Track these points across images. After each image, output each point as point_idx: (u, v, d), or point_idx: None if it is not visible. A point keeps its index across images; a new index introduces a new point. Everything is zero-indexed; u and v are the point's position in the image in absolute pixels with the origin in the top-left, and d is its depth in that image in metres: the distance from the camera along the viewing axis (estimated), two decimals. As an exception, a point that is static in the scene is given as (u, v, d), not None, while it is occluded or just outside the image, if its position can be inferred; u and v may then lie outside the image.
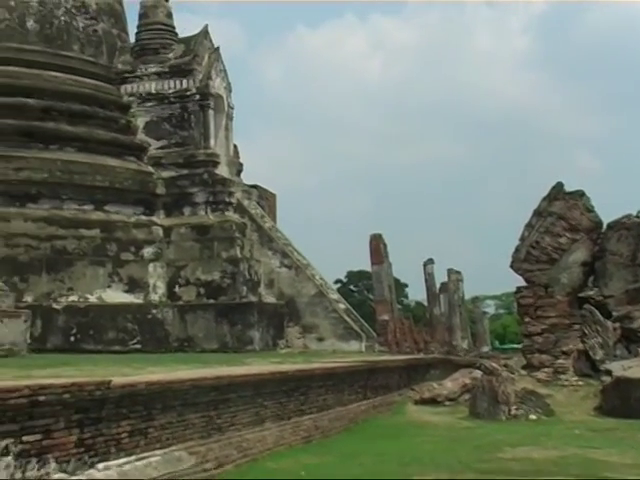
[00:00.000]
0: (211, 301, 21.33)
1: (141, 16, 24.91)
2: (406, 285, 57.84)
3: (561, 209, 17.04)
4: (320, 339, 22.70)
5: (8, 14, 22.78)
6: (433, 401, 16.29)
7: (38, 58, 22.79)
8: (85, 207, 21.51)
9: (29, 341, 16.50)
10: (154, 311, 20.84)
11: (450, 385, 16.78)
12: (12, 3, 22.90)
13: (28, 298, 19.31)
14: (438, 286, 32.39)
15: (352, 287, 59.07)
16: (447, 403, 16.17)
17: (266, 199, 26.73)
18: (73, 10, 23.90)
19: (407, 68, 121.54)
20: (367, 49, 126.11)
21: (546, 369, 16.34)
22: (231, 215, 22.85)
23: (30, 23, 23.01)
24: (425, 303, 36.09)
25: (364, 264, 34.38)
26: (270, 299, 22.79)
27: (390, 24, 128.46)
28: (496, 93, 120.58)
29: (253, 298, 21.68)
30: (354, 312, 23.71)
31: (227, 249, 21.86)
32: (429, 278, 31.86)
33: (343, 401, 13.54)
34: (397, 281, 39.39)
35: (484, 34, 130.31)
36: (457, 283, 33.46)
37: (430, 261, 31.79)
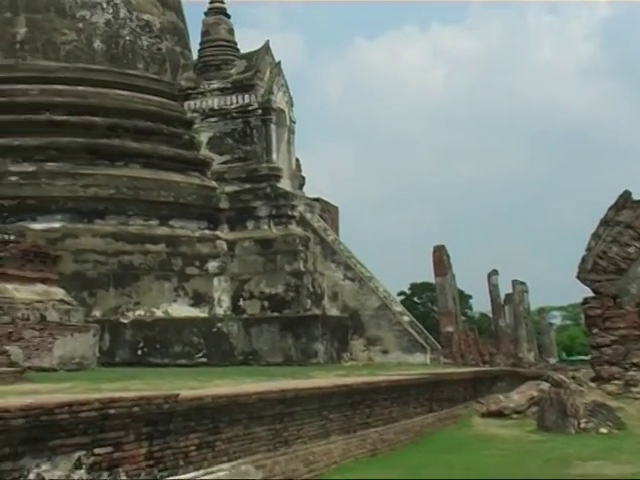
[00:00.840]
0: (275, 314, 21.42)
1: (203, 33, 25.25)
2: (470, 297, 57.29)
3: (629, 218, 16.68)
4: (384, 352, 22.63)
5: (76, 36, 23.33)
6: (500, 414, 16.06)
7: (104, 77, 23.28)
8: (150, 222, 21.84)
9: (98, 355, 16.78)
10: (219, 325, 21.02)
11: (517, 397, 16.53)
12: (80, 25, 23.44)
13: (97, 313, 19.64)
14: (503, 297, 31.97)
15: (416, 299, 58.73)
16: (514, 416, 15.93)
17: (328, 212, 26.76)
18: (138, 30, 24.37)
19: (468, 78, 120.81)
20: (428, 60, 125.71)
21: (616, 381, 15.99)
22: (294, 228, 22.95)
23: (97, 44, 23.52)
24: (490, 315, 35.66)
25: (428, 276, 34.12)
26: (334, 312, 22.80)
27: (451, 34, 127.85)
28: (560, 103, 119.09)
29: (317, 311, 21.72)
30: (418, 324, 23.59)
31: (290, 262, 21.95)
32: (493, 289, 31.45)
33: (409, 414, 13.46)
34: (461, 293, 39.06)
35: (546, 41, 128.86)
36: (522, 294, 32.97)
37: (494, 272, 31.40)
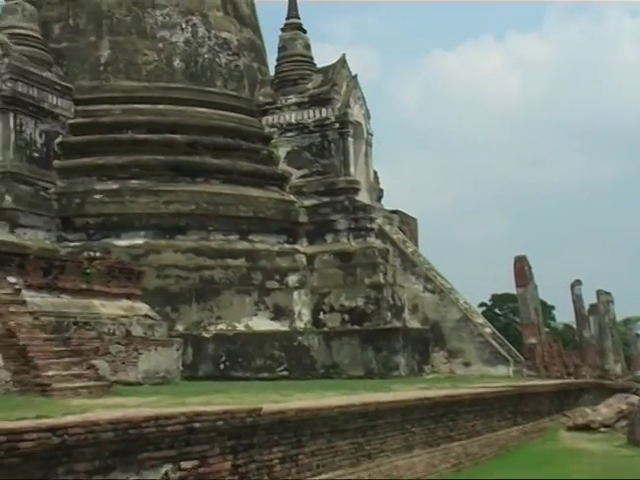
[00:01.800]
0: (355, 327, 21.39)
1: (280, 49, 25.50)
2: (553, 307, 56.24)
3: None
4: (466, 364, 22.40)
5: (157, 56, 23.82)
6: (587, 427, 15.73)
7: (184, 95, 23.69)
8: (230, 237, 22.09)
9: (181, 369, 17.00)
10: (300, 338, 21.11)
11: (605, 411, 16.17)
12: (160, 45, 23.94)
13: (179, 327, 19.93)
14: (587, 308, 31.34)
15: (497, 310, 57.91)
16: (602, 430, 15.59)
17: (407, 224, 26.67)
18: (216, 47, 24.75)
19: (546, 85, 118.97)
20: (504, 68, 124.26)
21: None
22: (373, 241, 22.92)
23: (176, 62, 23.98)
24: (574, 326, 34.97)
25: (509, 287, 33.66)
26: (415, 324, 22.67)
27: (527, 42, 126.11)
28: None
29: (397, 323, 21.62)
30: (500, 336, 23.28)
31: (370, 275, 21.91)
32: (577, 300, 30.87)
33: (492, 427, 13.28)
34: (543, 303, 38.35)
35: (627, 46, 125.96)
36: (607, 304, 32.28)
37: (578, 282, 30.82)
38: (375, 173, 25.86)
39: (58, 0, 24.23)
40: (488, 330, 22.97)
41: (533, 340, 25.64)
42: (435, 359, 22.64)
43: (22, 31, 22.32)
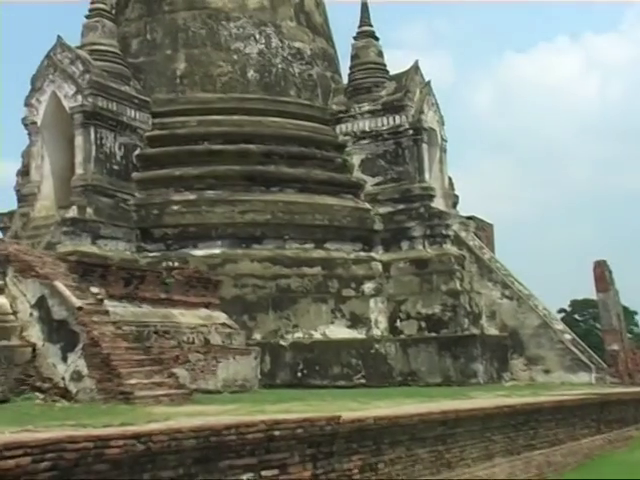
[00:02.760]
0: (433, 334, 21.26)
1: (353, 57, 25.56)
2: (636, 313, 55.01)
3: None
4: (546, 371, 22.04)
5: (231, 67, 24.13)
6: (674, 436, 15.31)
7: (258, 105, 23.93)
8: (306, 246, 22.19)
9: (259, 377, 17.15)
10: (377, 346, 21.07)
11: (692, 419, 15.72)
12: (235, 57, 24.24)
13: (257, 336, 20.09)
14: (672, 313, 30.53)
15: (577, 316, 56.89)
16: (690, 439, 15.15)
17: (483, 230, 26.39)
18: (289, 57, 24.95)
19: (626, 86, 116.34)
20: (581, 70, 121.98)
21: None
22: (449, 248, 22.76)
23: (250, 73, 24.24)
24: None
25: (588, 292, 33.02)
26: (492, 331, 22.42)
27: (605, 42, 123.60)
28: None
29: (475, 330, 21.41)
30: (581, 342, 22.85)
31: (447, 282, 21.75)
32: (661, 305, 30.09)
33: (575, 435, 13.04)
34: (625, 309, 37.48)
35: None
36: (693, 310, 31.39)
37: (661, 287, 30.04)
38: (450, 179, 25.69)
39: (136, 16, 24.78)
40: (568, 337, 22.58)
41: (615, 347, 25.09)
42: (514, 366, 22.34)
43: (102, 47, 22.86)
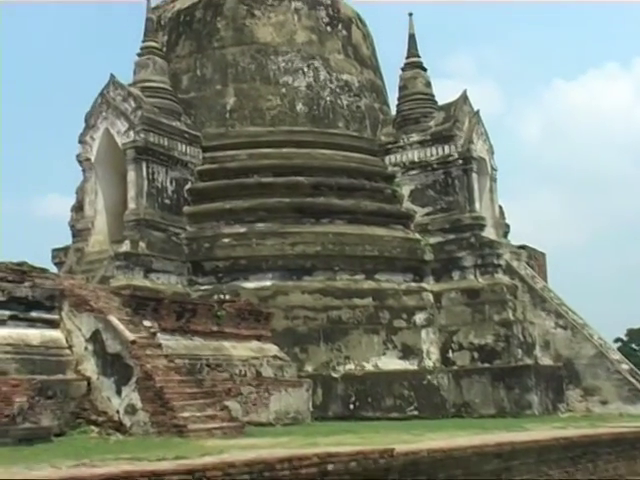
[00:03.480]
0: (486, 365, 21.02)
1: (401, 88, 25.62)
2: (695, 342, 53.75)
3: None
4: (603, 402, 21.61)
5: (280, 101, 24.37)
6: None
7: (307, 138, 24.09)
8: (357, 277, 22.16)
9: (311, 409, 17.10)
10: (429, 377, 20.90)
11: None
12: (283, 90, 24.48)
13: (308, 368, 20.05)
14: None
15: (634, 346, 55.79)
16: None
17: (535, 259, 26.11)
18: (337, 90, 25.12)
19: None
20: (633, 97, 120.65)
21: None
22: (501, 277, 22.54)
23: (299, 106, 24.44)
24: None
25: (645, 321, 32.45)
26: (547, 361, 22.09)
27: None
28: None
29: (529, 361, 21.12)
30: (639, 372, 22.37)
31: (499, 312, 21.53)
32: None
33: (636, 470, 12.74)
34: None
35: None
36: None
37: None
38: (500, 208, 25.50)
39: (186, 53, 25.19)
40: (625, 367, 22.13)
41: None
42: (570, 397, 21.95)
43: (153, 84, 23.27)
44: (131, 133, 21.69)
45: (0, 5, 54.76)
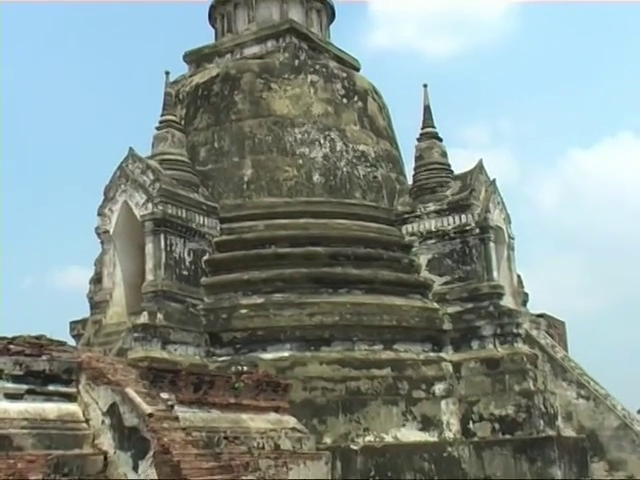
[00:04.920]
0: (507, 437, 20.69)
1: (417, 158, 25.80)
2: None
3: None
4: (629, 476, 21.17)
5: (297, 172, 24.58)
6: None
7: (324, 208, 24.23)
8: (375, 347, 22.01)
9: (330, 483, 16.83)
10: (449, 449, 20.58)
11: None
12: (300, 161, 24.71)
13: (327, 439, 19.79)
14: None
15: (658, 416, 54.85)
16: None
17: (555, 327, 25.91)
18: (354, 160, 25.33)
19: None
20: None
21: None
22: (520, 347, 22.34)
23: (316, 177, 24.63)
24: None
25: (669, 391, 31.89)
26: (569, 433, 21.73)
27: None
28: None
29: (551, 432, 20.78)
30: (665, 445, 21.94)
31: (519, 382, 21.27)
32: None
33: None
34: None
35: None
36: None
37: None
38: (519, 277, 25.42)
39: (204, 126, 25.54)
40: (651, 438, 21.74)
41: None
42: (595, 470, 21.52)
43: (171, 157, 23.56)
44: (149, 205, 21.88)
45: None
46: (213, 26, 29.31)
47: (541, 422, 20.71)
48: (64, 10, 58.13)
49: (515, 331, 22.45)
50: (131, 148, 22.93)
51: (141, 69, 54.08)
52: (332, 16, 29.83)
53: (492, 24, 64.61)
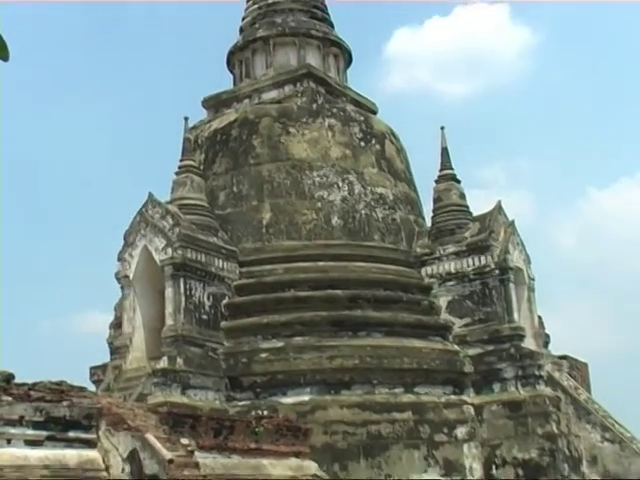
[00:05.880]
0: (531, 481, 20.42)
1: (435, 200, 25.84)
2: None
3: None
4: (656, 522, 20.81)
5: (315, 215, 24.64)
6: None
7: (343, 251, 24.24)
8: (396, 390, 21.85)
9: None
10: (473, 494, 20.31)
11: None
12: (319, 204, 24.79)
13: (348, 485, 19.60)
14: None
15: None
16: None
17: (577, 369, 25.64)
18: (372, 203, 25.39)
19: None
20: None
21: None
22: (543, 389, 22.11)
23: (335, 220, 24.69)
24: None
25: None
26: (594, 477, 21.42)
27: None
28: None
29: (576, 477, 20.52)
30: (692, 489, 21.57)
31: (542, 425, 21.02)
32: None
33: None
34: None
35: None
36: None
37: None
38: (540, 318, 25.24)
39: (223, 170, 25.72)
40: (678, 481, 21.38)
41: None
42: (621, 516, 21.17)
43: (191, 201, 23.72)
44: (169, 250, 21.98)
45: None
46: (231, 72, 29.69)
47: (565, 466, 20.44)
48: (86, 55, 59.09)
49: (537, 373, 22.25)
50: (150, 193, 23.12)
51: (160, 115, 54.67)
52: (349, 60, 30.14)
53: (507, 65, 64.91)
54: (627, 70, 62.66)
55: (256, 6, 29.50)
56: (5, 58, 2.87)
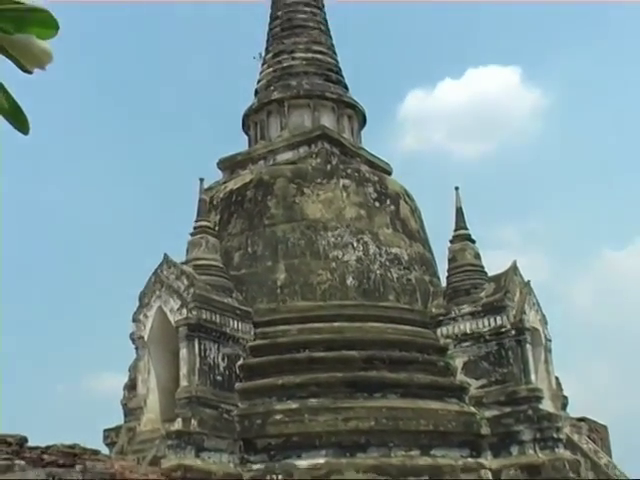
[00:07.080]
0: None
1: (450, 260, 25.80)
2: None
3: None
4: None
5: (330, 275, 24.62)
6: None
7: (358, 311, 24.16)
8: (412, 453, 21.55)
9: None
10: None
11: None
12: (334, 265, 24.79)
13: None
14: None
15: None
16: None
17: (597, 432, 25.25)
18: (387, 263, 25.37)
19: None
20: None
21: None
22: (562, 452, 21.74)
23: (349, 280, 24.65)
24: None
25: None
26: (616, 543, 20.93)
27: None
28: None
29: (597, 543, 20.04)
30: None
31: (562, 489, 20.63)
32: None
33: None
34: None
35: None
36: None
37: None
38: (557, 379, 24.94)
39: (238, 231, 25.82)
40: None
41: None
42: None
43: (205, 262, 23.77)
44: (184, 310, 21.96)
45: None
46: (247, 133, 30.02)
47: (586, 532, 20.00)
48: (102, 117, 59.89)
49: (556, 436, 21.90)
50: (166, 254, 23.20)
51: (176, 176, 55.18)
52: (363, 121, 30.44)
53: (519, 126, 65.37)
54: (638, 130, 62.96)
55: (271, 69, 29.94)
56: (25, 132, 2.90)
